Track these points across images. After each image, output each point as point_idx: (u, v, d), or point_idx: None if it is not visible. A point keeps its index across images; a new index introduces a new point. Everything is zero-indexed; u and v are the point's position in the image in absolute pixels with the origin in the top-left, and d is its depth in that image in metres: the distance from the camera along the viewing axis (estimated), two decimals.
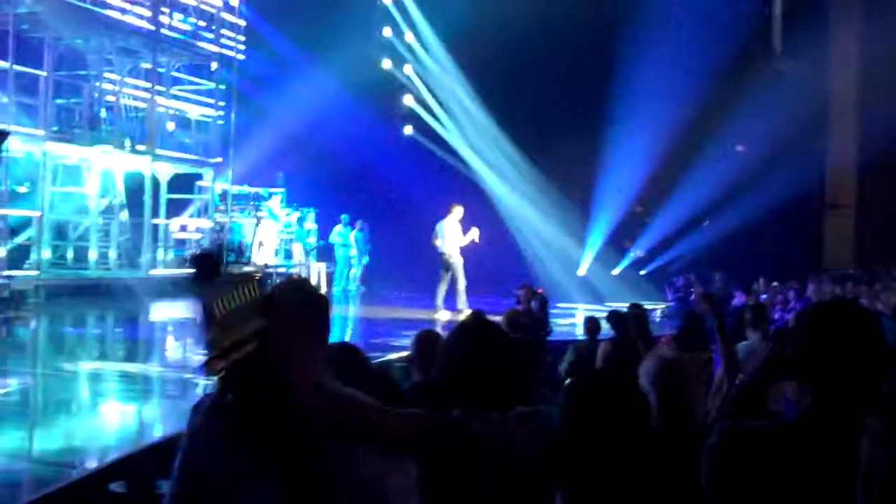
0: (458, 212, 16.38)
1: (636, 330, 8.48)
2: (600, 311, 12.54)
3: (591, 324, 9.37)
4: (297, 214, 22.97)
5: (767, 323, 6.69)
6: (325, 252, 22.72)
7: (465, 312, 12.42)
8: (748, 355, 6.16)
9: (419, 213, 22.11)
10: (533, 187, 24.38)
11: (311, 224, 23.30)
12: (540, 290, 11.24)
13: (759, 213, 22.35)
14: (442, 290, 16.07)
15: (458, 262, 16.07)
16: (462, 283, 15.90)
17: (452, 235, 16.21)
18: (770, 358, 3.35)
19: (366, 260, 22.85)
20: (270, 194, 23.22)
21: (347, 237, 22.69)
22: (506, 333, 2.78)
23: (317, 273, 20.70)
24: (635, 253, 25.11)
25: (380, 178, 24.01)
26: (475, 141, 25.27)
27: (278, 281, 9.69)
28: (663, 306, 19.83)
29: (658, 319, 17.58)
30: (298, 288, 2.78)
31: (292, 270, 20.96)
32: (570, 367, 8.72)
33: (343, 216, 22.77)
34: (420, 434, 2.31)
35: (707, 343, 8.03)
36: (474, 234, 16.29)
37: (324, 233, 23.11)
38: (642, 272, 24.57)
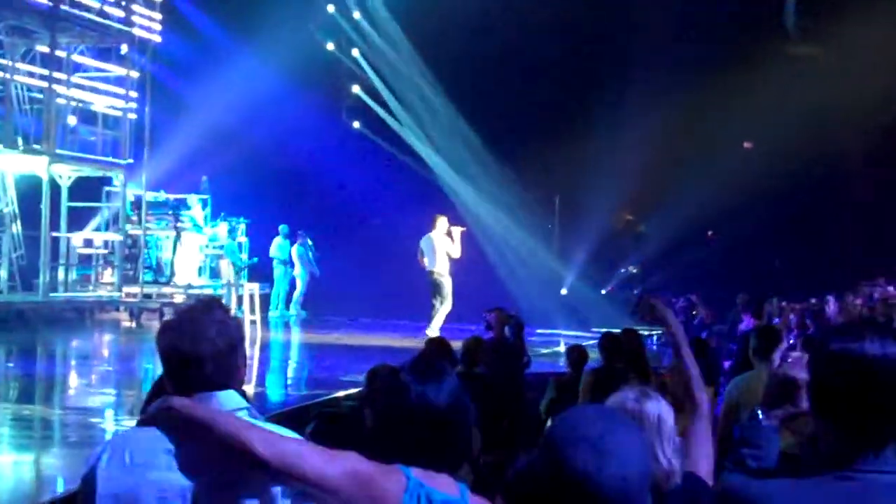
0: (442, 224, 16.85)
1: (629, 359, 8.34)
2: (586, 339, 12.59)
3: (576, 353, 9.14)
4: (225, 226, 22.79)
5: (774, 352, 6.75)
6: (261, 270, 22.32)
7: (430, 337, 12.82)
8: (750, 388, 6.24)
9: (372, 223, 23.02)
10: (505, 192, 24.29)
11: (241, 237, 23.08)
12: (514, 314, 11.20)
13: (772, 220, 22.50)
14: (442, 313, 16.60)
15: (447, 281, 16.62)
16: (447, 308, 16.50)
17: (440, 251, 16.67)
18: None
19: (305, 277, 22.62)
20: (203, 201, 23.10)
21: (287, 252, 22.50)
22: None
23: (249, 295, 20.36)
24: (627, 269, 25.19)
25: (324, 183, 24.00)
26: (436, 138, 25.23)
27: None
28: (661, 332, 19.88)
29: (655, 347, 17.49)
30: (206, 308, 2.84)
31: (220, 292, 20.62)
32: (550, 404, 8.70)
33: (282, 227, 22.60)
34: (353, 480, 2.37)
35: (713, 376, 8.06)
36: (457, 232, 16.80)
37: (257, 247, 22.79)
38: (636, 291, 24.50)
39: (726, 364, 11.36)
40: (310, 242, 22.67)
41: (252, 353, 14.47)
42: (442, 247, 16.68)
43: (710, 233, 24.32)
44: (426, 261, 16.81)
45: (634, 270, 25.25)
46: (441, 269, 16.64)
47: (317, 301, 22.64)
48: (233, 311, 4.05)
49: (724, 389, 7.33)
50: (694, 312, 20.16)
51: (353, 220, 23.98)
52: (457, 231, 16.81)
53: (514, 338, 10.66)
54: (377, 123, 25.64)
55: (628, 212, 25.36)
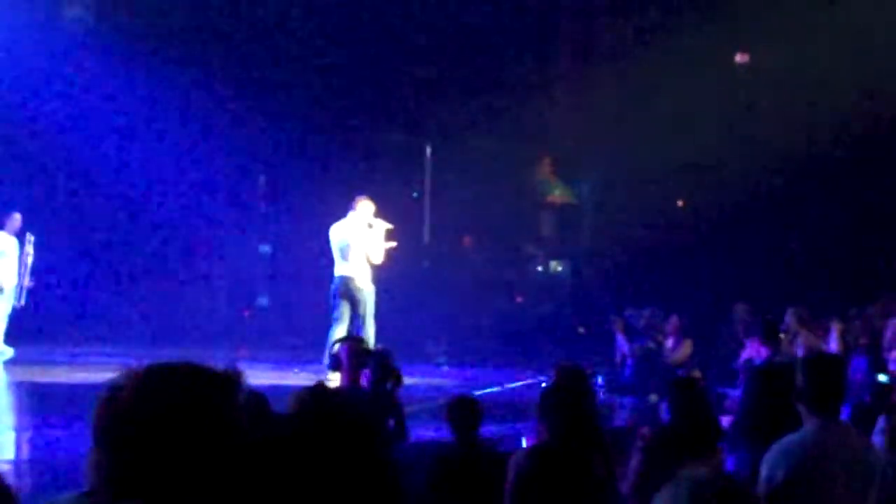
0: (364, 209, 15.13)
1: (568, 422, 6.73)
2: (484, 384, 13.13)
3: (460, 411, 7.45)
4: None
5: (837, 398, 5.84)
6: None
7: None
8: (802, 464, 5.54)
9: (137, 199, 20.43)
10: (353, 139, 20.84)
11: None
12: (379, 348, 9.91)
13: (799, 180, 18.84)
14: (337, 333, 14.90)
15: (369, 292, 15.28)
16: (372, 326, 15.21)
17: (358, 248, 15.09)
18: None
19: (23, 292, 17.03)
20: None
21: None
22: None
23: None
24: (547, 263, 22.05)
25: (47, 127, 19.53)
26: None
27: None
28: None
29: (602, 395, 15.17)
30: None
31: None
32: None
33: None
34: None
35: (709, 441, 7.14)
36: (381, 227, 15.27)
37: None
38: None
39: (724, 420, 9.13)
40: (30, 240, 17.17)
41: None
42: (361, 243, 14.93)
43: (680, 202, 20.93)
44: (338, 259, 15.18)
45: (559, 268, 21.63)
46: (360, 275, 15.00)
47: (38, 332, 17.63)
48: None
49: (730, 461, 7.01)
50: (655, 329, 16.93)
51: (103, 193, 19.98)
52: (381, 226, 15.12)
53: (374, 387, 8.88)
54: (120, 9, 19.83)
55: (552, 166, 21.54)
